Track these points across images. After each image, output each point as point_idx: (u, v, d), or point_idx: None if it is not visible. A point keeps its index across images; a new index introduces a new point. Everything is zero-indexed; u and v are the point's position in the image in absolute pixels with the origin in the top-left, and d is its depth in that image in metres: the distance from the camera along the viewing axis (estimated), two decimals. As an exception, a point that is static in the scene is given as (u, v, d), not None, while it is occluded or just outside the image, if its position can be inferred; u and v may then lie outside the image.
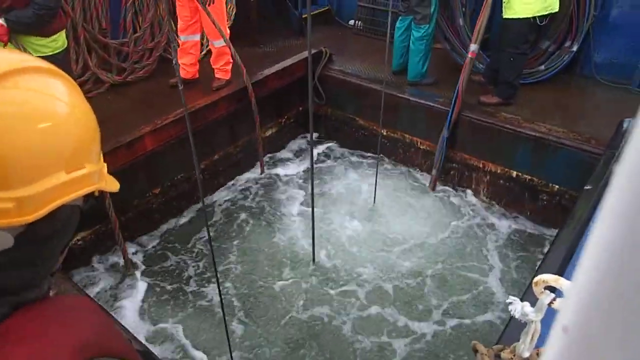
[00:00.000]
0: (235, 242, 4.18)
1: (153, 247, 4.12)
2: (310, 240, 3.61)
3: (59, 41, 3.42)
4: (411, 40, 4.81)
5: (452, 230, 4.28)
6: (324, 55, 5.33)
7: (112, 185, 0.72)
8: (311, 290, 3.70)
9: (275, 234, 4.27)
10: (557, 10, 4.21)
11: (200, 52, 5.09)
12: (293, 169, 5.13)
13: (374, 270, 3.86)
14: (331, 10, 6.61)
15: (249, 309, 3.55)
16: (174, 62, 2.35)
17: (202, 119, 4.43)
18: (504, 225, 4.36)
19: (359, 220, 4.39)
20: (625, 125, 3.65)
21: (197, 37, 4.62)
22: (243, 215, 4.48)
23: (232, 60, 4.63)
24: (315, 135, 5.42)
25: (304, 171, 5.08)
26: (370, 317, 3.49)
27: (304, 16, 6.01)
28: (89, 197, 0.68)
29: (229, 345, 2.79)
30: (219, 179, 4.85)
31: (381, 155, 4.64)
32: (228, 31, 4.56)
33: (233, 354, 2.93)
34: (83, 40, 4.37)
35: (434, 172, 4.70)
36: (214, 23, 4.22)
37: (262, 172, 5.04)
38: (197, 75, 4.79)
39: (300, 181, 4.93)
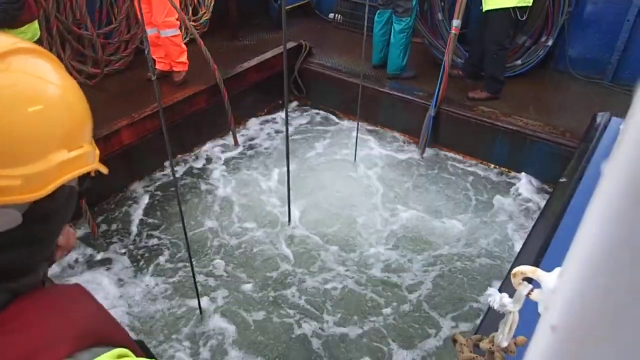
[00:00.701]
0: (208, 204, 4.08)
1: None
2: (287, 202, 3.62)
3: (28, 33, 3.31)
4: (392, 34, 4.81)
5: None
6: (304, 49, 5.31)
7: (103, 167, 0.75)
8: (285, 250, 3.67)
9: (251, 196, 4.19)
10: (531, 3, 4.27)
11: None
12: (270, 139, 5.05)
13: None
14: (311, 3, 6.58)
15: (220, 267, 3.52)
16: (146, 53, 2.31)
17: (179, 112, 4.37)
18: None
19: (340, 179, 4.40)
20: (598, 119, 3.74)
21: (156, 30, 4.44)
22: (215, 179, 4.38)
23: (184, 48, 4.54)
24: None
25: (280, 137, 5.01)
26: (343, 274, 3.50)
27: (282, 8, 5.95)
28: (84, 178, 0.71)
29: (197, 292, 2.84)
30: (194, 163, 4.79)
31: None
32: (177, 22, 4.40)
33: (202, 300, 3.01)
34: (56, 32, 4.24)
35: (420, 145, 4.72)
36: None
37: (236, 143, 4.80)
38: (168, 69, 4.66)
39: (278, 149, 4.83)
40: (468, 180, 4.39)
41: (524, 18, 4.29)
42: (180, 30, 4.68)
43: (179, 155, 4.55)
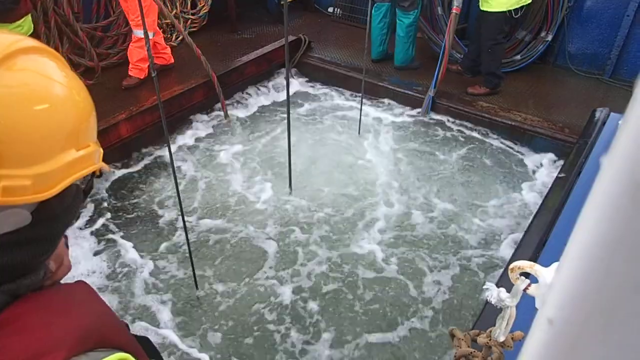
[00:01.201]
0: (205, 175, 4.03)
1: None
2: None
3: (24, 27, 3.30)
4: (399, 28, 4.84)
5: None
6: (303, 43, 5.29)
7: (105, 165, 0.75)
8: (285, 216, 3.65)
9: (251, 164, 4.15)
10: (529, 2, 4.28)
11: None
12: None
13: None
14: (310, -3, 6.55)
15: (216, 238, 3.47)
16: (146, 50, 2.30)
17: (178, 106, 4.36)
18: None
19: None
20: (597, 114, 3.74)
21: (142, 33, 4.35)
22: (215, 152, 4.29)
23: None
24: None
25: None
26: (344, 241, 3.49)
27: (282, 2, 5.93)
28: (89, 177, 0.71)
29: (192, 264, 2.85)
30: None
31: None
32: (155, 26, 4.26)
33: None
34: (54, 25, 4.22)
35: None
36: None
37: (226, 116, 4.63)
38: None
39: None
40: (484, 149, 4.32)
41: (519, 15, 4.30)
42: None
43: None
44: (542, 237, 2.49)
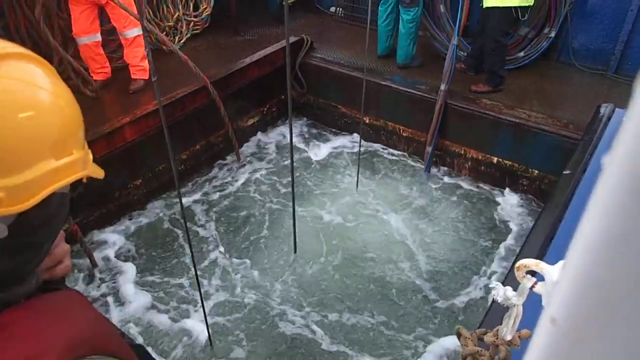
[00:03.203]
0: (214, 231, 4.13)
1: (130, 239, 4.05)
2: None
3: None
4: (401, 24, 4.86)
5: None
6: (305, 43, 5.29)
7: (98, 172, 0.72)
8: (291, 279, 3.70)
9: (257, 224, 4.23)
10: (532, 3, 4.27)
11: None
12: (273, 160, 5.07)
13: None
14: (312, -3, 6.55)
15: (226, 302, 3.54)
16: (146, 53, 2.30)
17: (181, 108, 4.37)
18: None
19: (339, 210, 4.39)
20: (602, 110, 3.72)
21: (98, 37, 4.21)
22: (223, 207, 4.43)
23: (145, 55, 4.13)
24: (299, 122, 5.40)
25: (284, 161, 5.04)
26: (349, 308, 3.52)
27: (284, 3, 5.92)
28: (77, 184, 0.68)
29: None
30: (201, 168, 4.80)
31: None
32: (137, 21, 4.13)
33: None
34: (57, 29, 4.24)
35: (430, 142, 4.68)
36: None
37: (239, 159, 4.85)
38: (110, 75, 4.48)
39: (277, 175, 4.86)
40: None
41: (525, 18, 4.29)
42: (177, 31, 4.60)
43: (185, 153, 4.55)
44: (549, 235, 2.47)
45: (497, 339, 1.36)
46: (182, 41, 5.32)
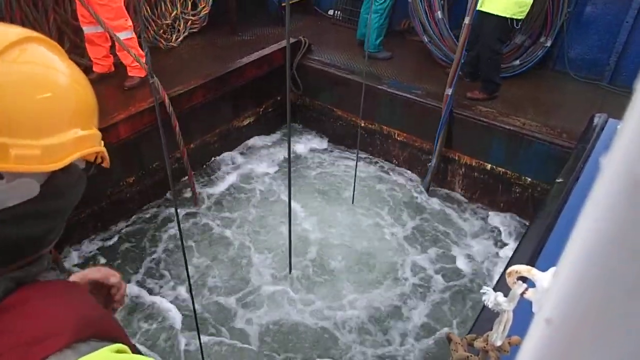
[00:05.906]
0: (206, 241, 4.11)
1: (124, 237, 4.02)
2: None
3: None
4: (369, 13, 4.99)
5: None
6: (303, 45, 5.30)
7: (107, 157, 0.79)
8: (287, 301, 3.68)
9: (250, 236, 4.20)
10: (522, 18, 4.30)
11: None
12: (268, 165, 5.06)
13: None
14: (311, 0, 6.56)
15: (219, 316, 3.52)
16: (144, 52, 2.29)
17: (177, 106, 4.35)
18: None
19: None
20: (595, 120, 3.75)
21: (101, 29, 4.09)
22: (217, 212, 4.41)
23: (141, 53, 4.13)
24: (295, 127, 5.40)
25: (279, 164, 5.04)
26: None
27: (282, 4, 5.94)
28: (91, 165, 0.76)
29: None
30: (195, 167, 4.79)
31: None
32: (130, 22, 4.16)
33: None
34: (54, 24, 4.22)
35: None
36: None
37: (196, 204, 4.52)
38: (113, 69, 4.50)
39: (276, 178, 4.85)
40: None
41: (519, 27, 4.34)
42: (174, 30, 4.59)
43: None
44: (540, 242, 2.48)
45: (487, 344, 1.36)
46: (179, 39, 5.31)
